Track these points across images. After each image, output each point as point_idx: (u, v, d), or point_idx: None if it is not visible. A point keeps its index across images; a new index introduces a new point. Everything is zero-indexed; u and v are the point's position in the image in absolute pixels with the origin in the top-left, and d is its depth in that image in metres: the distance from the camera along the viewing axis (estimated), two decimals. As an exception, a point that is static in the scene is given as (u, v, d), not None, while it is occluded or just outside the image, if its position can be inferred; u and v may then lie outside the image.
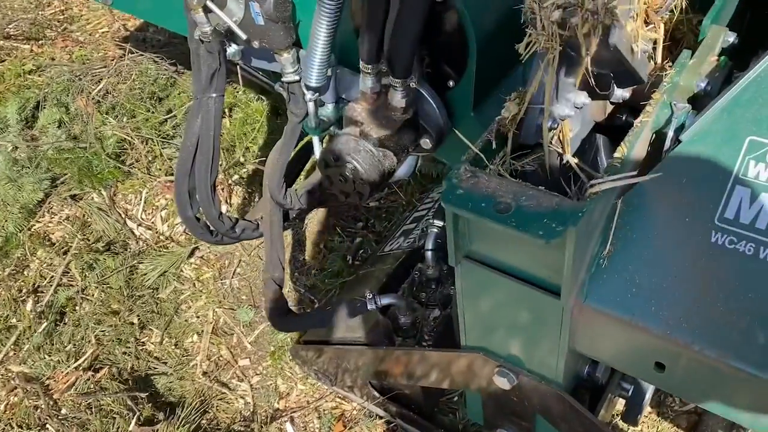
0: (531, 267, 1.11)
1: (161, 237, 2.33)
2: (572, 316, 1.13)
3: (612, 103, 1.36)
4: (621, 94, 1.33)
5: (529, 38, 1.04)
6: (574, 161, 1.18)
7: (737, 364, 0.98)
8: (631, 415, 1.46)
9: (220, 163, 2.43)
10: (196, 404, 1.94)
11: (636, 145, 1.11)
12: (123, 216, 2.36)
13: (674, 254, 1.05)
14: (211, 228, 1.78)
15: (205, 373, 2.04)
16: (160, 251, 2.28)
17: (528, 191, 1.04)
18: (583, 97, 1.26)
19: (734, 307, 1.00)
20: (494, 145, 1.14)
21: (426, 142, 1.52)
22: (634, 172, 1.04)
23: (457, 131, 1.43)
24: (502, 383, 1.34)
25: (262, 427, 1.90)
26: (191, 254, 2.29)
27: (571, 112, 1.24)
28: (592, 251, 1.09)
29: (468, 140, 1.19)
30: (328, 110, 1.62)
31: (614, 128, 1.37)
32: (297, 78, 1.54)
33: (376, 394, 1.83)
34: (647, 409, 1.76)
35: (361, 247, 2.25)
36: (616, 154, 1.08)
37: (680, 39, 1.43)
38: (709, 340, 1.00)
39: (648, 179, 1.06)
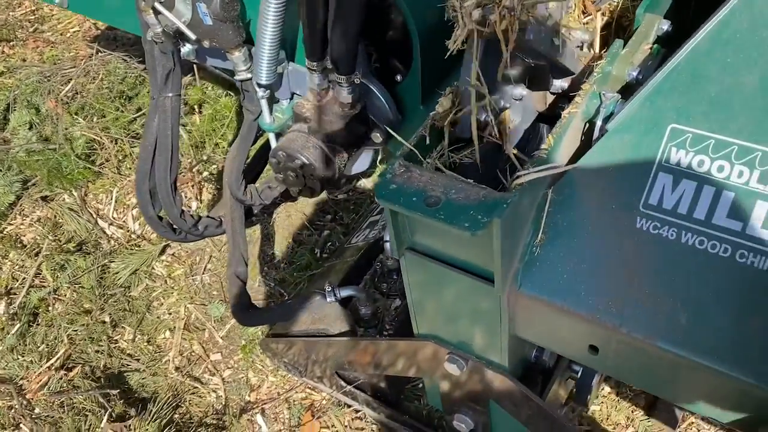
0: (466, 257, 1.15)
1: (132, 236, 2.35)
2: (509, 303, 1.16)
3: (552, 93, 1.39)
4: (560, 84, 1.36)
5: (454, 35, 1.07)
6: (512, 152, 1.21)
7: (662, 344, 1.02)
8: (582, 396, 1.50)
9: (189, 159, 2.46)
10: (168, 399, 1.97)
11: (565, 135, 1.14)
12: (94, 216, 2.39)
13: (602, 241, 1.08)
14: (174, 226, 1.81)
15: (177, 369, 2.07)
16: (131, 250, 2.30)
17: (457, 184, 1.06)
18: (520, 89, 1.29)
19: (659, 290, 1.03)
20: (428, 140, 1.17)
21: (377, 136, 1.54)
22: (558, 163, 1.07)
23: (389, 129, 1.45)
24: (453, 369, 1.37)
25: (233, 419, 1.94)
26: (162, 252, 2.31)
27: (507, 104, 1.27)
28: (524, 240, 1.13)
29: (409, 135, 1.22)
30: (282, 107, 1.64)
31: (558, 117, 1.40)
32: (249, 76, 1.56)
33: (343, 383, 1.86)
34: (604, 389, 1.80)
35: (329, 239, 2.28)
36: (543, 145, 1.10)
37: (627, 27, 1.46)
38: (635, 322, 1.04)
39: (573, 168, 1.09)
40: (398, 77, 1.53)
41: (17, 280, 2.24)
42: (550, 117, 1.40)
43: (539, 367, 1.43)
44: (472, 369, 1.36)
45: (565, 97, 1.39)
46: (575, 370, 1.48)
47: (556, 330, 1.15)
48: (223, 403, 1.99)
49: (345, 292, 1.70)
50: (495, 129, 1.22)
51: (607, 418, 1.73)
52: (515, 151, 1.21)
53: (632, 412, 1.72)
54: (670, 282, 1.03)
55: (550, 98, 1.40)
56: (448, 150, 1.21)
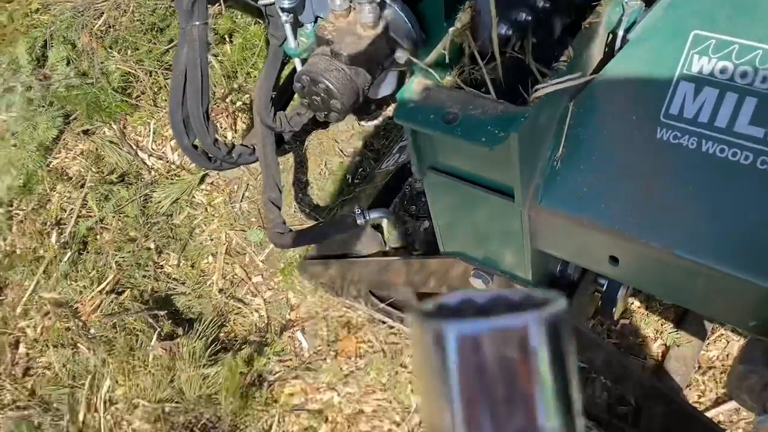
0: (486, 174, 1.16)
1: (172, 166, 2.42)
2: (531, 218, 1.18)
3: (578, 3, 1.36)
4: (586, -6, 1.33)
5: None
6: (533, 65, 1.20)
7: (681, 253, 1.03)
8: (606, 309, 1.53)
9: (222, 89, 2.49)
10: (213, 319, 2.07)
11: (586, 46, 1.13)
12: (134, 148, 2.46)
13: (622, 153, 1.08)
14: (209, 155, 1.86)
15: (221, 291, 2.16)
16: (171, 179, 2.37)
17: (476, 100, 1.07)
18: (542, 2, 1.27)
19: (678, 200, 1.03)
20: (447, 58, 1.17)
21: (400, 56, 1.54)
22: (578, 74, 1.06)
23: (406, 52, 1.44)
24: (478, 284, 1.41)
25: (275, 336, 2.03)
26: (201, 181, 2.38)
27: (529, 17, 1.25)
28: (545, 154, 1.13)
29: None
30: (306, 31, 1.64)
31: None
32: (272, 0, 1.56)
33: (377, 301, 1.92)
34: (632, 303, 1.82)
35: (360, 165, 2.31)
36: (562, 58, 1.10)
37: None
38: (654, 232, 1.05)
39: (594, 80, 1.08)
40: (420, -5, 1.51)
41: (65, 211, 2.34)
42: (577, 28, 1.38)
43: (564, 280, 1.46)
44: (497, 284, 1.39)
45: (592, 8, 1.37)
46: (600, 284, 1.50)
47: (577, 243, 1.17)
48: (266, 321, 2.08)
49: (374, 215, 1.74)
50: (517, 43, 1.21)
51: (636, 331, 1.76)
52: (536, 64, 1.20)
53: (661, 325, 1.75)
54: (690, 191, 1.03)
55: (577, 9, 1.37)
56: (468, 67, 1.21)
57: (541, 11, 1.27)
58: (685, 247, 1.02)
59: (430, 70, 1.12)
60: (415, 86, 1.11)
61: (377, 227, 1.80)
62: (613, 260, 1.14)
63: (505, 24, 1.18)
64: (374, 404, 1.83)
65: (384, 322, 1.95)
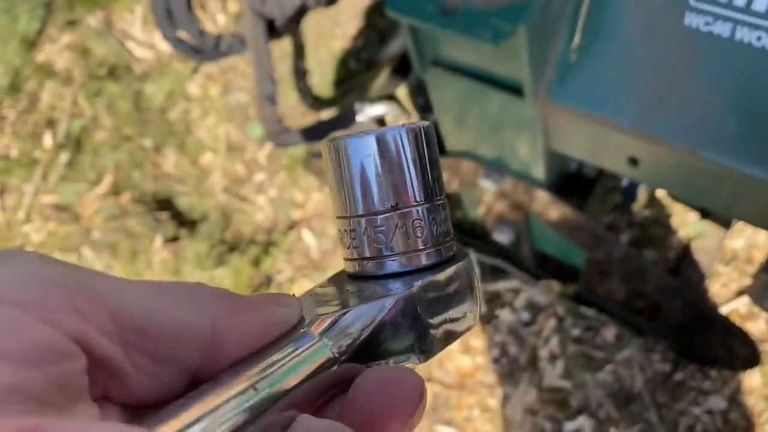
0: (494, 68, 1.04)
1: (162, 56, 2.28)
2: (543, 116, 1.07)
3: None
4: None
5: None
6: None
7: (708, 154, 0.93)
8: (626, 203, 1.44)
9: (211, -30, 2.30)
10: (217, 219, 2.01)
11: None
12: (121, 38, 2.31)
13: (646, 43, 0.95)
14: (196, 46, 1.73)
15: (224, 189, 2.09)
16: (163, 71, 2.25)
17: (479, -13, 0.94)
18: None
19: (706, 96, 0.92)
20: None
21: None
22: (593, -47, 0.92)
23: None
24: (488, 185, 1.32)
25: (281, 235, 1.98)
26: (195, 71, 2.25)
27: None
28: (559, 46, 1.01)
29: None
30: None
31: None
32: None
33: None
34: (656, 192, 1.73)
35: (363, 48, 2.16)
36: (577, -67, 0.95)
37: None
38: (679, 132, 0.94)
39: (613, -41, 0.94)
40: None
41: (57, 109, 2.24)
42: None
43: (581, 177, 1.36)
44: (510, 183, 1.30)
45: None
46: (620, 179, 1.41)
47: (594, 143, 1.07)
48: (271, 220, 2.03)
49: (377, 109, 1.62)
50: None
51: (657, 222, 1.68)
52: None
53: (685, 214, 1.66)
54: (720, 86, 0.91)
55: None
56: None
57: None
58: (712, 149, 0.92)
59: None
60: (409, -28, 0.97)
61: (381, 122, 1.69)
62: (633, 162, 1.04)
63: None
64: (384, 302, 1.80)
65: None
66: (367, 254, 0.34)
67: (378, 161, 0.33)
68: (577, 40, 1.00)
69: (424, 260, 0.34)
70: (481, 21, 0.90)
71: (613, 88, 0.99)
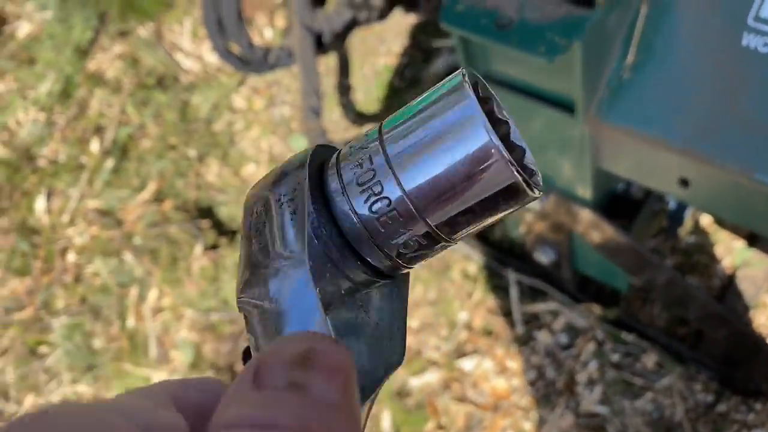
0: (545, 84, 1.04)
1: (209, 68, 2.32)
2: (593, 134, 1.06)
3: None
4: None
5: None
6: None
7: (762, 177, 0.91)
8: (672, 228, 1.42)
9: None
10: (256, 229, 2.03)
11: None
12: (170, 49, 2.36)
13: (700, 63, 0.94)
14: (245, 58, 1.76)
15: (263, 200, 2.11)
16: (210, 83, 2.29)
17: (534, 1, 0.94)
18: None
19: (762, 118, 0.91)
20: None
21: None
22: (652, -29, 0.91)
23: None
24: (533, 203, 1.31)
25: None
26: (241, 84, 2.28)
27: None
28: (612, 64, 1.00)
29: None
30: None
31: None
32: None
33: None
34: (701, 218, 1.70)
35: (408, 66, 2.18)
36: (636, -50, 0.94)
37: None
38: (732, 153, 0.93)
39: (671, -23, 0.93)
40: None
41: (105, 117, 2.29)
42: None
43: (627, 199, 1.35)
44: (554, 202, 1.29)
45: None
46: (667, 201, 1.39)
47: (644, 162, 1.05)
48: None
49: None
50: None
51: (703, 249, 1.65)
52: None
53: (731, 241, 1.63)
54: (779, 108, 0.90)
55: None
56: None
57: None
58: (766, 171, 0.91)
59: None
60: (464, -15, 0.98)
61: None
62: (684, 183, 1.03)
63: None
64: (420, 318, 1.79)
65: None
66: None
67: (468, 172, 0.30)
68: (630, 57, 0.99)
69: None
70: (536, 36, 0.90)
71: (666, 107, 0.97)
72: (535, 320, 1.68)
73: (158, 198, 2.11)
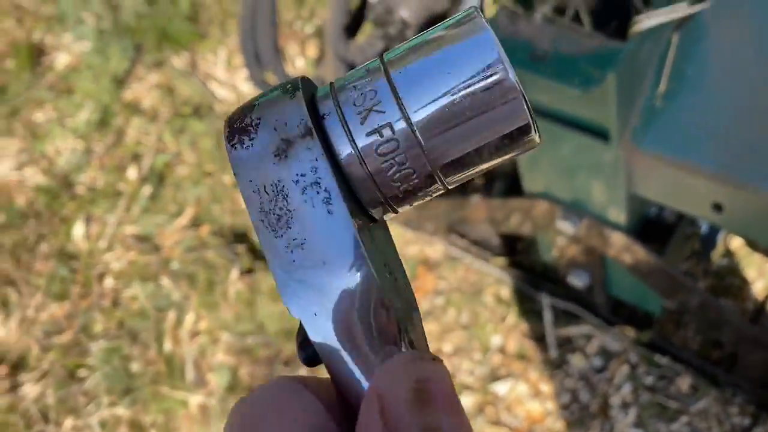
0: (578, 113, 1.07)
1: (243, 97, 2.38)
2: (626, 160, 1.08)
3: None
4: None
5: None
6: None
7: (798, 202, 0.93)
8: (705, 251, 1.43)
9: (292, 14, 2.41)
10: (290, 254, 2.07)
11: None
12: (205, 79, 2.43)
13: (733, 89, 0.97)
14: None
15: (296, 225, 2.15)
16: (243, 111, 2.34)
17: (568, 34, 0.97)
18: None
19: (798, 144, 0.92)
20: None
21: (481, -19, 1.42)
22: (683, 3, 0.94)
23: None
24: (566, 227, 1.33)
25: (351, 272, 2.02)
26: (273, 111, 2.34)
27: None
28: (644, 92, 1.03)
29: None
30: (379, -46, 1.54)
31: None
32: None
33: (456, 238, 1.87)
34: (733, 241, 1.70)
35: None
36: (667, -16, 0.97)
37: None
38: (766, 178, 0.95)
39: (703, 9, 0.96)
40: None
41: (142, 145, 2.35)
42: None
43: (660, 223, 1.36)
44: (587, 226, 1.31)
45: None
46: (699, 225, 1.40)
47: (678, 188, 1.07)
48: (341, 257, 2.07)
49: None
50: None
51: (736, 271, 1.65)
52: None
53: (764, 264, 1.63)
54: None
55: None
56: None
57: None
58: (804, 196, 0.92)
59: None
60: (500, 18, 1.01)
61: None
62: (717, 208, 1.04)
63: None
64: (454, 342, 1.80)
65: (463, 260, 1.90)
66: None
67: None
68: (663, 86, 1.02)
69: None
70: (570, 67, 0.93)
71: (700, 134, 1.00)
72: (569, 344, 1.69)
73: (195, 223, 2.16)
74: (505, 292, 1.81)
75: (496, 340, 1.76)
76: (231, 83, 2.42)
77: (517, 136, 0.28)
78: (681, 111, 1.00)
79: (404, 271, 0.33)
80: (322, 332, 0.28)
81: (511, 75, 0.28)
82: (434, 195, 0.30)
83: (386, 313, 0.28)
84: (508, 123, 0.28)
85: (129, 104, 2.44)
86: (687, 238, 1.41)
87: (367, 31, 1.84)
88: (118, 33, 2.51)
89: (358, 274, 0.28)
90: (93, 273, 2.20)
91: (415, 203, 0.31)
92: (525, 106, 0.28)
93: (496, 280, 1.83)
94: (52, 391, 2.02)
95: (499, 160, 0.30)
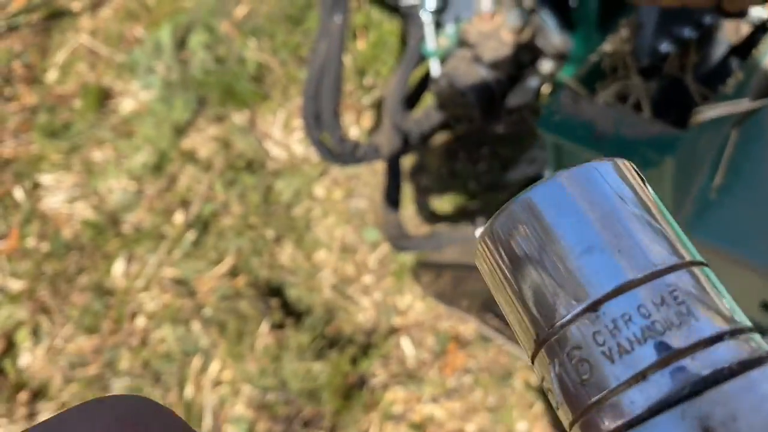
0: (632, 197, 1.08)
1: (295, 158, 2.45)
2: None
3: (748, 23, 1.25)
4: (758, 13, 1.22)
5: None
6: (693, 86, 1.11)
7: None
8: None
9: (351, 85, 2.50)
10: (321, 314, 2.07)
11: (757, 70, 1.03)
12: (262, 137, 2.51)
13: (791, 189, 0.97)
14: (336, 150, 1.86)
15: (332, 286, 2.16)
16: (294, 171, 2.40)
17: (629, 118, 1.00)
18: (708, 18, 1.17)
19: None
20: (601, 71, 1.10)
21: (544, 66, 1.48)
22: (744, 99, 0.96)
23: (552, 62, 1.37)
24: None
25: (381, 339, 2.01)
26: (322, 174, 2.39)
27: (693, 33, 1.16)
28: (699, 183, 1.04)
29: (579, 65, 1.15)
30: (446, 32, 1.61)
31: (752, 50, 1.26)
32: (415, 2, 1.54)
33: (490, 318, 1.86)
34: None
35: (485, 173, 2.25)
36: (730, 80, 1.00)
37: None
38: (821, 281, 0.94)
39: (763, 107, 0.98)
40: (571, 1, 1.44)
41: (192, 192, 2.42)
42: (743, 50, 1.27)
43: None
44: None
45: (763, 28, 1.25)
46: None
47: (727, 282, 1.07)
48: (372, 323, 2.07)
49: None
50: (677, 60, 1.13)
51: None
52: (697, 85, 1.11)
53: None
54: None
55: (746, 29, 1.26)
56: (622, 82, 1.13)
57: (707, 28, 1.17)
58: None
59: (578, 84, 1.06)
60: (563, 98, 1.05)
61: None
62: (766, 307, 1.03)
63: (667, 39, 1.10)
64: (478, 423, 1.77)
65: (495, 341, 1.88)
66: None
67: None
68: (718, 179, 1.03)
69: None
70: (630, 149, 0.95)
71: (752, 230, 1.00)
72: None
73: (233, 273, 2.19)
74: (536, 379, 1.78)
75: (521, 426, 1.72)
76: (285, 143, 2.50)
77: None
78: (735, 205, 1.01)
79: None
80: None
81: None
82: None
83: None
84: None
85: (185, 152, 2.52)
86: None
87: (425, 103, 1.90)
88: (185, 85, 2.62)
89: None
90: (126, 310, 2.23)
91: None
92: None
93: (527, 366, 1.80)
94: (68, 424, 2.01)
95: None
